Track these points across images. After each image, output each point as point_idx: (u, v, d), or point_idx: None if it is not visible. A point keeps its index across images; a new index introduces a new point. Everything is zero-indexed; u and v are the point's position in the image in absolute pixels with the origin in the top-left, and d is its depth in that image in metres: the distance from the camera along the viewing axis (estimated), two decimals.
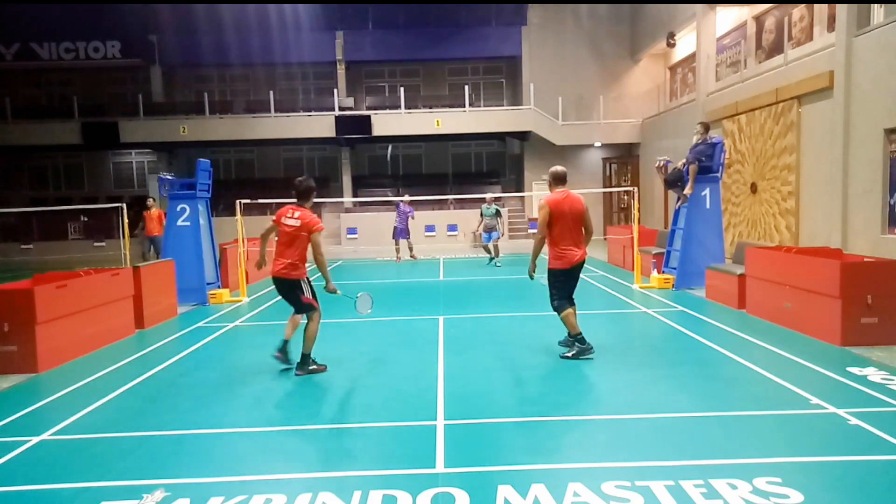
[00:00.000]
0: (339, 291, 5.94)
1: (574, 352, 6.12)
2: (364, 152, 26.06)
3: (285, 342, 5.99)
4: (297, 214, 5.80)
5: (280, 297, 6.08)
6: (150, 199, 15.24)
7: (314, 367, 5.91)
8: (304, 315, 5.98)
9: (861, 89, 10.78)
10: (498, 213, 15.05)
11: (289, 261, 5.74)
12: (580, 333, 6.11)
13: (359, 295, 6.24)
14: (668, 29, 19.69)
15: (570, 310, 6.10)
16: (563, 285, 6.12)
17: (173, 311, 9.19)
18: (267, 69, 24.74)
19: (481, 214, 15.14)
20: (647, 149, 21.46)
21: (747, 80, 14.95)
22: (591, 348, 6.13)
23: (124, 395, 5.41)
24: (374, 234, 21.12)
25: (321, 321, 6.01)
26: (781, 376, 5.36)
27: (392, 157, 26.45)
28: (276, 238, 5.95)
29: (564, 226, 5.94)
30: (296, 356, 5.95)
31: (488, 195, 15.56)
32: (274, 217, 5.95)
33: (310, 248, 5.82)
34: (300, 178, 6.06)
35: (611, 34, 23.47)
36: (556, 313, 6.19)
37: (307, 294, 5.87)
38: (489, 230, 14.93)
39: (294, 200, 6.02)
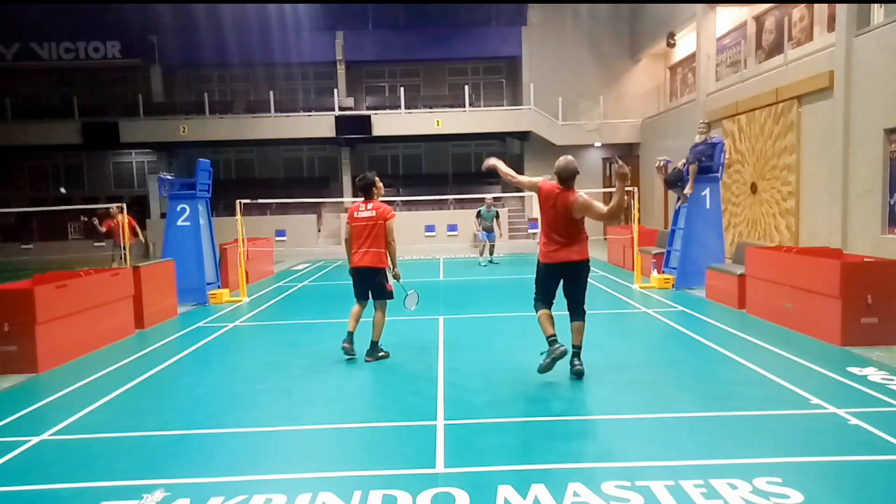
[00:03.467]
0: (401, 279, 6.42)
1: (547, 359, 5.37)
2: (364, 152, 26.05)
3: (351, 334, 6.27)
4: (370, 206, 6.17)
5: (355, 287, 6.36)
6: (114, 207, 13.45)
7: (381, 353, 6.34)
8: (376, 305, 6.31)
9: (861, 89, 10.78)
10: (497, 216, 15.32)
11: (376, 250, 6.13)
12: (551, 336, 5.39)
13: (410, 291, 6.66)
14: (668, 29, 19.69)
15: (541, 311, 5.51)
16: (541, 281, 5.57)
17: (173, 311, 9.19)
18: (267, 69, 24.75)
19: (478, 216, 15.40)
20: (647, 149, 21.46)
21: (747, 80, 14.95)
22: (563, 350, 5.30)
23: (124, 395, 5.41)
24: None
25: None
26: (781, 376, 5.35)
27: (392, 157, 26.46)
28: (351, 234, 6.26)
29: (548, 218, 5.40)
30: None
31: (488, 198, 15.81)
32: (347, 220, 6.28)
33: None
34: (360, 177, 6.37)
35: (611, 34, 23.48)
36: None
37: (389, 282, 6.28)
38: (488, 231, 15.29)
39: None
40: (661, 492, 3.35)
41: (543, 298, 5.58)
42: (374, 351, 6.30)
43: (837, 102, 11.27)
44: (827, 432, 4.15)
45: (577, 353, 5.54)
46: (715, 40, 17.31)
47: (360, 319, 6.40)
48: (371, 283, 6.22)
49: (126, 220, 13.42)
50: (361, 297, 6.37)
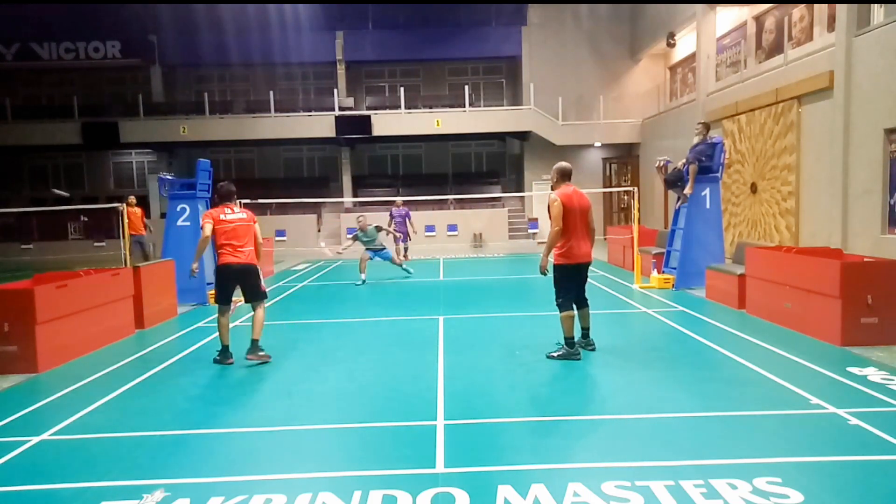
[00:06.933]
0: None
1: (560, 353, 6.11)
2: (364, 152, 26.06)
3: (226, 347, 6.38)
4: (237, 210, 6.42)
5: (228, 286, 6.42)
6: (132, 197, 14.38)
7: (262, 352, 6.26)
8: (251, 304, 6.47)
9: (861, 89, 10.78)
10: (378, 230, 12.79)
11: (251, 249, 6.32)
12: (572, 338, 6.09)
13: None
14: (668, 29, 19.69)
15: (571, 312, 6.07)
16: (569, 283, 6.10)
17: (173, 311, 9.19)
18: (267, 69, 24.74)
19: (356, 239, 12.70)
20: (647, 149, 21.47)
21: (747, 80, 14.95)
22: (579, 355, 6.10)
23: (124, 395, 5.41)
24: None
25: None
26: (781, 376, 5.35)
27: (392, 157, 26.48)
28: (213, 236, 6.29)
29: (574, 221, 5.96)
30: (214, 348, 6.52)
31: (360, 219, 12.73)
32: (209, 223, 6.24)
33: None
34: (222, 184, 6.56)
35: (611, 34, 23.47)
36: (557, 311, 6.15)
37: (262, 281, 6.48)
38: (377, 250, 12.64)
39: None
40: (661, 492, 3.35)
41: (571, 298, 6.14)
42: (256, 349, 6.25)
43: (837, 102, 11.27)
44: (827, 432, 4.15)
45: (587, 333, 6.44)
46: (715, 40, 17.31)
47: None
48: (248, 281, 6.37)
49: (141, 212, 13.92)
50: (230, 299, 6.42)
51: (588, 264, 6.15)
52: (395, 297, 11.03)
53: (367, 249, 12.58)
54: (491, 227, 22.31)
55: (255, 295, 6.42)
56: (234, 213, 6.36)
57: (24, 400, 5.30)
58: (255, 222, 6.45)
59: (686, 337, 7.11)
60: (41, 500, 3.52)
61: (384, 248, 12.76)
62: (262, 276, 6.48)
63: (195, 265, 6.40)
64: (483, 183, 25.38)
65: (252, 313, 6.44)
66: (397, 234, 15.05)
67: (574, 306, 6.13)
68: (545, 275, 6.09)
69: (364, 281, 12.33)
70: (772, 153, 13.55)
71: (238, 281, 6.38)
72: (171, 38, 23.85)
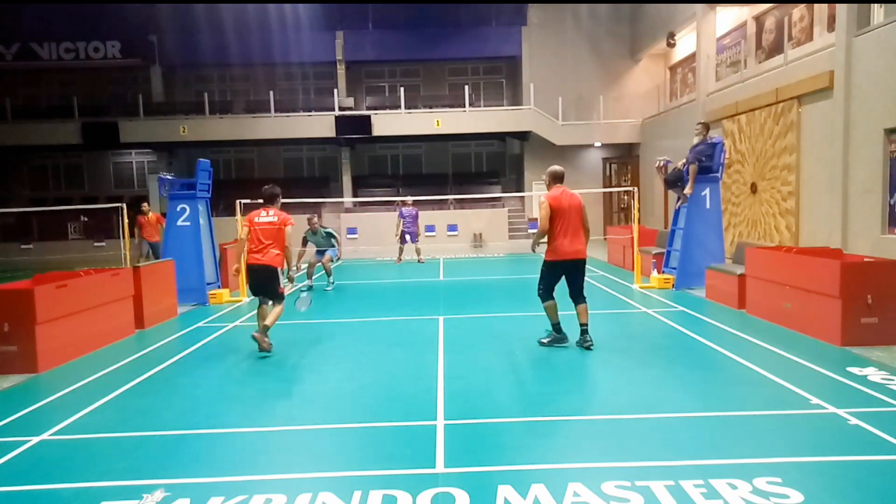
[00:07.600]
0: (294, 280, 7.23)
1: (549, 339, 6.60)
2: (364, 152, 26.05)
3: (266, 327, 6.72)
4: (271, 213, 6.72)
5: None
6: (145, 204, 15.02)
7: (268, 341, 6.54)
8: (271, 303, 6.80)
9: (861, 89, 10.78)
10: (331, 236, 12.00)
11: (272, 252, 6.60)
12: (558, 323, 6.54)
13: (303, 294, 7.38)
14: (668, 29, 19.69)
15: (551, 302, 6.47)
16: (550, 277, 6.48)
17: (173, 311, 9.19)
18: (267, 69, 24.73)
19: (306, 242, 11.99)
20: (647, 149, 21.47)
21: (747, 80, 14.94)
22: (566, 338, 6.55)
23: (124, 395, 5.41)
24: (374, 234, 21.15)
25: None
26: (781, 376, 5.35)
27: (392, 157, 26.48)
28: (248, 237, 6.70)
29: (564, 221, 6.29)
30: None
31: (314, 218, 11.97)
32: (245, 225, 6.74)
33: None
34: (266, 187, 6.93)
35: (611, 34, 23.47)
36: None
37: (282, 284, 6.79)
38: (321, 251, 11.95)
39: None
40: (661, 492, 3.35)
41: (550, 290, 6.48)
42: (264, 333, 6.54)
43: (837, 102, 11.27)
44: (827, 432, 4.15)
45: (585, 330, 6.53)
46: (715, 40, 17.31)
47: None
48: (268, 282, 6.69)
49: (155, 218, 14.29)
50: (260, 294, 6.87)
51: (580, 260, 6.43)
52: (395, 297, 11.04)
53: (316, 252, 11.85)
54: (491, 227, 22.31)
55: (271, 296, 6.76)
56: (268, 216, 6.64)
57: (24, 400, 5.30)
58: (286, 225, 6.66)
59: (686, 337, 7.11)
60: (41, 500, 3.52)
61: (326, 250, 11.82)
62: (280, 279, 6.69)
63: (236, 265, 6.78)
64: (483, 183, 25.37)
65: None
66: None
67: (553, 298, 6.48)
68: (535, 252, 6.79)
69: (310, 286, 11.17)
70: (772, 153, 13.55)
71: (255, 279, 6.75)
72: (171, 38, 23.85)
